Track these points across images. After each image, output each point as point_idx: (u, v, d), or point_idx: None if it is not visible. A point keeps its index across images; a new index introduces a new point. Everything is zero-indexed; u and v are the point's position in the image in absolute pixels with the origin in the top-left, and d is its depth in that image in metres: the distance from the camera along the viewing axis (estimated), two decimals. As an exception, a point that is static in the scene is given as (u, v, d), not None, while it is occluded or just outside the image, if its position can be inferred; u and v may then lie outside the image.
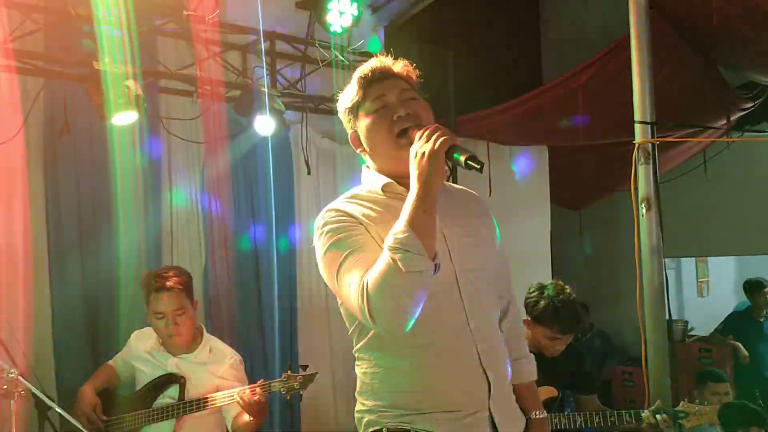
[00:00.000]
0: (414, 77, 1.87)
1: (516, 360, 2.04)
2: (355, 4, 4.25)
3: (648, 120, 3.51)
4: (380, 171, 1.85)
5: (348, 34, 4.37)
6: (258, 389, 2.96)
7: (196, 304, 3.28)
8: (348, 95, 1.87)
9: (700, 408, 3.06)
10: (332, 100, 4.67)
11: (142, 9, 3.82)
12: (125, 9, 3.58)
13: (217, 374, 3.18)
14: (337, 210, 1.78)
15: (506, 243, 6.01)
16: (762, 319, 6.55)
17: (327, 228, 1.74)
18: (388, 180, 1.81)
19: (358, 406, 1.85)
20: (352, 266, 1.64)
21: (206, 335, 3.31)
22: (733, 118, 5.04)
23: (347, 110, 1.87)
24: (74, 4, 3.61)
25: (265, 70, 4.27)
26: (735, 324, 6.70)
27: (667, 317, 3.49)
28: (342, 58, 4.30)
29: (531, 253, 6.08)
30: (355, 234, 1.71)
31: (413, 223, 1.56)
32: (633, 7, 3.54)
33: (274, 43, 4.30)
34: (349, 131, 1.90)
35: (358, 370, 1.86)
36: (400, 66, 1.85)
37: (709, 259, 9.35)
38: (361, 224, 1.74)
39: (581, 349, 3.50)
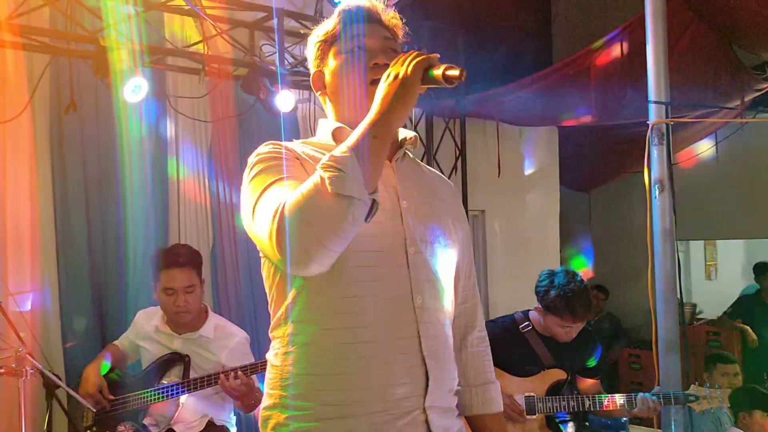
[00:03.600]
0: (400, 35, 1.62)
1: (482, 385, 1.71)
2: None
3: (663, 100, 3.45)
4: (339, 120, 1.59)
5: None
6: (239, 372, 2.93)
7: (203, 283, 3.29)
8: (324, 27, 1.60)
9: (711, 391, 3.05)
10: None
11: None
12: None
13: (223, 353, 3.19)
14: (276, 143, 1.51)
15: (515, 224, 5.97)
16: (772, 303, 6.53)
17: (261, 157, 1.47)
18: (339, 125, 1.56)
19: (264, 401, 1.52)
20: (278, 192, 1.36)
21: (211, 314, 3.31)
22: (747, 98, 4.97)
23: (319, 43, 1.60)
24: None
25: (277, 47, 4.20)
26: (744, 307, 6.69)
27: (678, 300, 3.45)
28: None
29: (539, 234, 6.07)
30: (290, 166, 1.44)
31: (358, 147, 1.29)
32: (649, -14, 3.47)
33: (282, 21, 4.24)
34: (313, 69, 1.62)
35: (269, 356, 1.53)
36: (389, 16, 1.60)
37: (717, 242, 9.32)
38: (299, 161, 1.47)
39: (592, 333, 3.48)
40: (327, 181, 1.24)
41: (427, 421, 1.45)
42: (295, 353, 1.44)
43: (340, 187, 1.24)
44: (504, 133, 5.69)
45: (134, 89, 3.54)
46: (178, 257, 3.15)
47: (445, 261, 1.58)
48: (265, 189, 1.38)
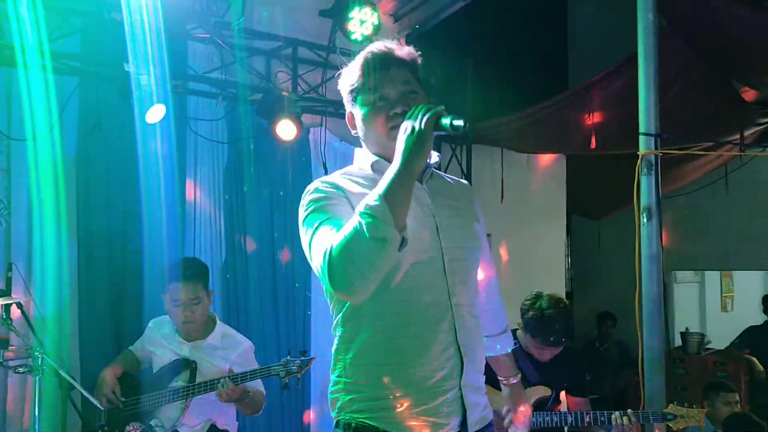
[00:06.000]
0: (418, 63, 1.88)
1: (492, 336, 2.15)
2: (375, 14, 4.42)
3: (652, 132, 3.60)
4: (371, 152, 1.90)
5: (368, 41, 4.52)
6: (228, 380, 3.18)
7: (210, 294, 3.51)
8: (350, 77, 1.87)
9: (688, 410, 3.16)
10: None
11: (175, 15, 4.02)
12: (157, 14, 3.79)
13: (229, 360, 3.40)
14: (325, 181, 1.82)
15: (521, 249, 6.05)
16: (779, 334, 6.56)
17: (312, 196, 1.78)
18: (377, 158, 1.86)
19: (332, 386, 1.85)
20: (327, 231, 1.66)
21: (219, 323, 3.52)
22: (747, 133, 5.08)
23: (347, 92, 1.89)
24: (110, 8, 3.82)
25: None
26: (752, 338, 6.72)
27: (665, 324, 3.57)
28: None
29: (545, 260, 6.16)
30: (336, 204, 1.74)
31: (388, 194, 1.57)
32: (641, 23, 3.64)
33: (296, 50, 4.48)
34: (347, 111, 1.93)
35: (333, 349, 1.85)
36: (405, 52, 1.86)
37: (734, 274, 9.28)
38: (346, 197, 1.76)
39: (578, 353, 3.61)
40: (364, 227, 1.54)
41: (462, 397, 1.77)
42: (356, 348, 1.77)
43: (375, 232, 1.54)
44: (511, 160, 5.85)
45: (154, 113, 3.77)
46: (185, 271, 3.39)
47: (474, 260, 1.89)
48: (315, 228, 1.69)
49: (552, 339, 3.28)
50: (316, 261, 1.66)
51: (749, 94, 5.27)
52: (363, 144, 1.93)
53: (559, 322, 3.26)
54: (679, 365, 6.92)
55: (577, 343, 8.12)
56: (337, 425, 1.83)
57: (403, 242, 1.60)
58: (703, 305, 9.02)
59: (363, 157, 1.92)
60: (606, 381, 7.26)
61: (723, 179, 6.70)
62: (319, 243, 1.66)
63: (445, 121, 1.63)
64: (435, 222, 1.81)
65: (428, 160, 1.90)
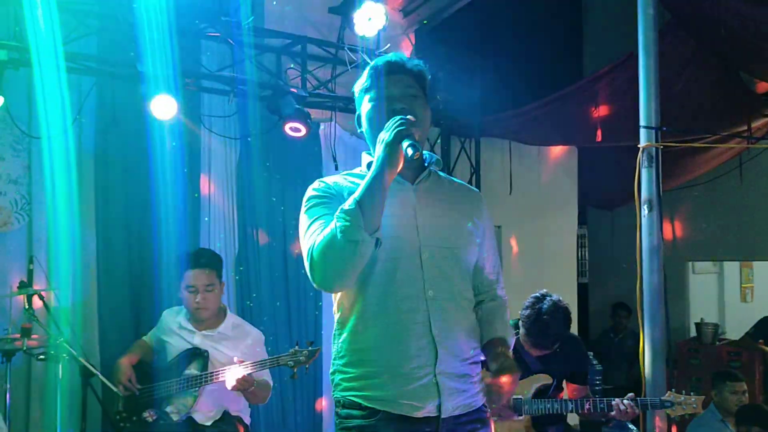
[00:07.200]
0: (425, 76, 2.03)
1: (490, 323, 2.07)
2: (383, 10, 4.49)
3: (653, 125, 3.64)
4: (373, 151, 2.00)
5: (377, 37, 4.60)
6: (240, 369, 3.29)
7: (223, 285, 3.64)
8: (361, 79, 2.05)
9: (686, 398, 3.20)
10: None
11: (187, 14, 4.14)
12: (168, 14, 3.90)
13: (239, 349, 3.52)
14: (323, 182, 2.00)
15: (531, 240, 6.08)
16: (794, 324, 6.54)
17: (309, 195, 1.97)
18: (372, 159, 1.94)
19: (331, 368, 2.04)
20: (313, 230, 1.84)
21: (229, 314, 3.65)
22: (756, 124, 5.08)
23: (357, 93, 2.05)
24: (125, 10, 3.94)
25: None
26: (766, 328, 6.70)
27: (665, 314, 3.63)
28: (370, 61, 4.53)
29: (556, 252, 6.18)
30: (327, 203, 1.90)
31: (361, 200, 1.75)
32: (641, 17, 3.67)
33: (305, 46, 4.57)
34: (356, 111, 2.07)
35: (333, 332, 2.04)
36: (412, 63, 2.02)
37: (755, 264, 9.22)
38: (339, 196, 1.91)
39: (579, 342, 3.68)
40: (338, 230, 1.74)
41: (437, 383, 1.88)
42: (344, 336, 1.96)
43: (348, 235, 1.73)
44: (522, 152, 5.89)
45: (162, 107, 3.87)
46: (200, 259, 3.55)
47: (459, 256, 1.99)
48: (306, 227, 1.88)
49: (540, 343, 3.37)
50: (304, 258, 1.86)
51: (762, 86, 5.27)
52: (367, 143, 2.04)
53: (553, 330, 3.33)
54: (693, 355, 6.93)
55: (593, 334, 8.16)
56: (335, 403, 2.02)
57: (378, 242, 1.78)
58: (721, 296, 8.96)
59: (365, 159, 2.06)
60: (621, 371, 7.29)
61: (737, 169, 6.68)
62: (305, 242, 1.86)
63: (405, 143, 1.75)
64: (416, 221, 1.94)
65: (433, 166, 2.05)
